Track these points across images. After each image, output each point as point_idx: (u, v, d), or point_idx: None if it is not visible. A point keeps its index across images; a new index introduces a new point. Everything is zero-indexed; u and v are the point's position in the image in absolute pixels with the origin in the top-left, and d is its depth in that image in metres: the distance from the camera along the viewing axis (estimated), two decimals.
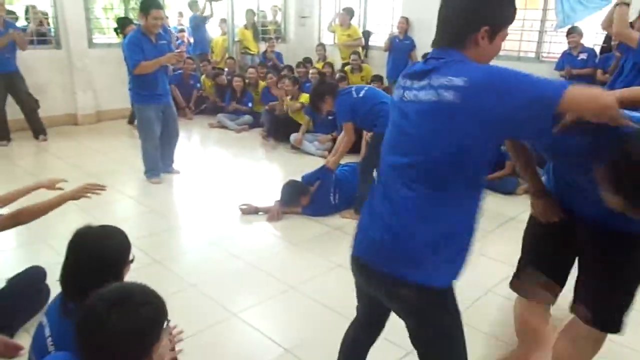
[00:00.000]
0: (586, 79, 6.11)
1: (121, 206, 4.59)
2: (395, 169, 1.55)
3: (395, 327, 1.87)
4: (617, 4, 3.76)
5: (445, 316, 1.61)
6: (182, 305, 2.93)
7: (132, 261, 1.87)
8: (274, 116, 6.98)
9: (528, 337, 2.23)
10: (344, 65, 8.19)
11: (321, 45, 8.94)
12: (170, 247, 3.81)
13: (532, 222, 2.20)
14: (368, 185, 4.07)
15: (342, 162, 4.67)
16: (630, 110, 1.55)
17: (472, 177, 1.48)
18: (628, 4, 3.71)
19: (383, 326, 1.97)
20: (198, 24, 9.36)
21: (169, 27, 8.96)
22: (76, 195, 2.42)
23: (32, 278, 2.78)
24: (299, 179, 4.55)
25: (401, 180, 1.52)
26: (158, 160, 5.15)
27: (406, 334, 1.69)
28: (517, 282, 2.23)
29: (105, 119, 7.67)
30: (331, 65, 8.17)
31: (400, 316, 1.68)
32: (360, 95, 4.23)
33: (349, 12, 8.31)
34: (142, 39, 4.74)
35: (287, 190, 4.38)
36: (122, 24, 6.76)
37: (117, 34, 7.06)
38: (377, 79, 7.15)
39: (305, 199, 4.40)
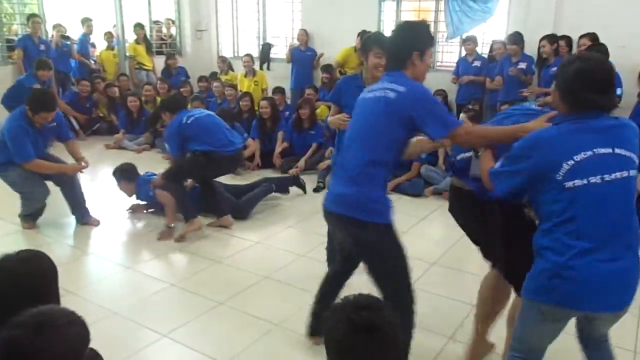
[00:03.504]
0: (476, 85, 6.61)
1: (16, 239, 4.17)
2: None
3: None
4: None
5: None
6: (106, 334, 2.72)
7: None
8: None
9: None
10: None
11: (221, 58, 8.78)
12: (82, 276, 3.55)
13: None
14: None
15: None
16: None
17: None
18: None
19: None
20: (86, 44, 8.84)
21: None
22: None
23: None
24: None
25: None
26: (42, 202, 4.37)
27: None
28: None
29: None
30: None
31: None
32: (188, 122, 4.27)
33: (251, 58, 8.03)
34: (28, 129, 4.10)
35: (121, 168, 4.76)
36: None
37: None
38: (279, 90, 7.19)
39: (131, 186, 4.67)
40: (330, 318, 1.35)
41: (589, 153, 1.73)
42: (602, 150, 1.75)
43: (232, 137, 4.43)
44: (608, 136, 1.78)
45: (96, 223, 4.48)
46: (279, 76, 8.19)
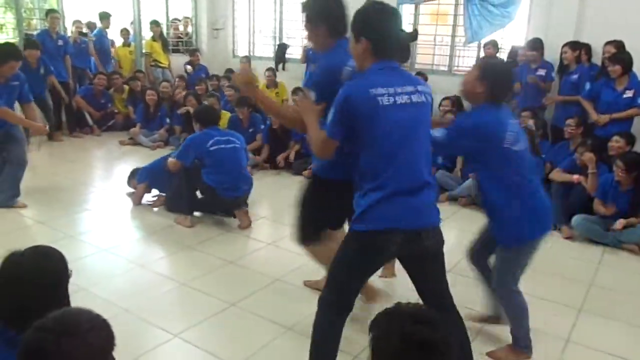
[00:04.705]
0: None
1: (32, 232, 4.20)
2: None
3: None
4: None
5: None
6: (117, 332, 2.67)
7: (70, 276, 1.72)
8: None
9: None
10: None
11: (246, 58, 8.72)
12: (95, 273, 3.52)
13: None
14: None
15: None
16: None
17: None
18: None
19: None
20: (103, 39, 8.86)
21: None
22: None
23: None
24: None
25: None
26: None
27: None
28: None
29: None
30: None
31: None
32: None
33: (274, 72, 8.07)
34: None
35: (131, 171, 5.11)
36: None
37: None
38: (300, 90, 7.12)
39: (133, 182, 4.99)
40: (381, 324, 1.27)
41: (511, 128, 2.40)
42: (515, 128, 2.44)
43: (240, 182, 4.46)
44: (511, 117, 2.52)
45: (22, 206, 4.55)
46: (294, 77, 8.16)
